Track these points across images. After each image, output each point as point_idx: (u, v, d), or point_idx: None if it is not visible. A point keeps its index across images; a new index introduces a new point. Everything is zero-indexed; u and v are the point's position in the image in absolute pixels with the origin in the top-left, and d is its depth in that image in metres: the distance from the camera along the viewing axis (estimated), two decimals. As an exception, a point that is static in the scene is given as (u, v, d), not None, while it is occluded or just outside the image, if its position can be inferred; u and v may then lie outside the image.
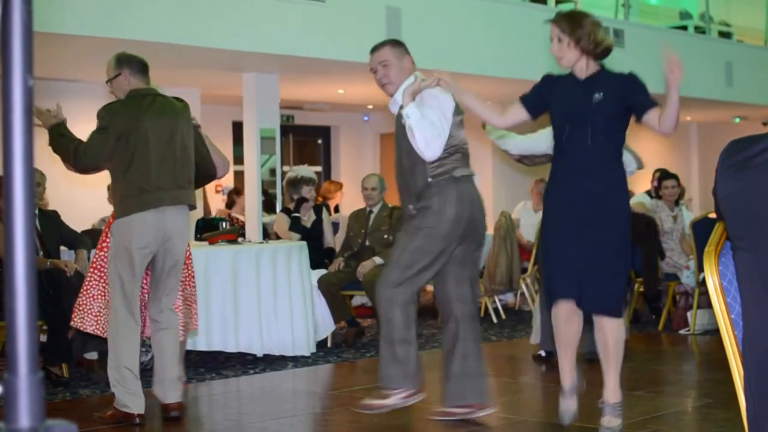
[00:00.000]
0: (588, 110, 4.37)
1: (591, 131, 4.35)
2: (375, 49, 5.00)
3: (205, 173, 5.34)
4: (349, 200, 12.55)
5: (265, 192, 10.35)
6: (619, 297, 4.50)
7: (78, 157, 4.93)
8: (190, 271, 5.41)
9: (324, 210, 8.72)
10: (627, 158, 5.19)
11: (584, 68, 4.45)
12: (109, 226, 5.11)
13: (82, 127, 10.50)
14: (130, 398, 4.91)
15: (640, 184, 13.01)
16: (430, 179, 4.74)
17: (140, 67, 5.09)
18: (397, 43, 5.06)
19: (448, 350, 4.89)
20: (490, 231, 9.73)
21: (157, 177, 4.94)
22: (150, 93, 5.08)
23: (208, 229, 7.95)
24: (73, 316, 5.19)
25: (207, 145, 5.35)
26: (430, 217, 4.71)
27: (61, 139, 4.99)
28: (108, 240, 5.11)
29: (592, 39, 4.38)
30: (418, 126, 4.62)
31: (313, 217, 8.48)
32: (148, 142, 4.94)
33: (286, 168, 12.68)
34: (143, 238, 4.90)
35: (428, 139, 4.64)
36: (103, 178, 9.08)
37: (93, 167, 5.07)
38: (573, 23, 4.45)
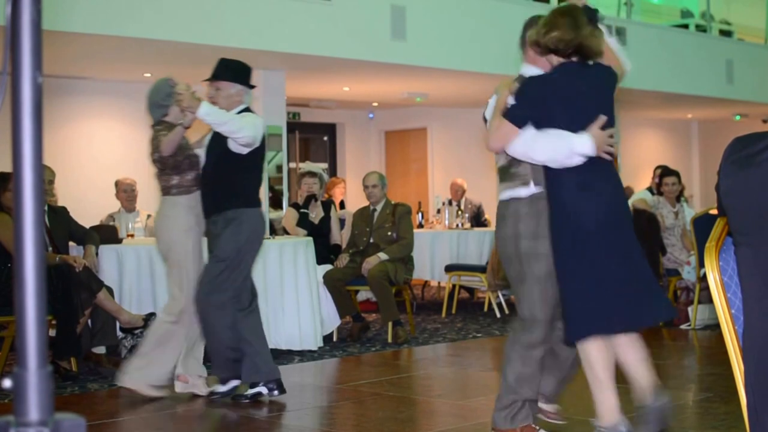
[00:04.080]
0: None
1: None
2: None
3: None
4: (355, 197, 12.56)
5: (271, 188, 10.37)
6: None
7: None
8: None
9: (332, 206, 8.73)
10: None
11: None
12: None
13: (91, 123, 10.60)
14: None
15: (641, 181, 13.01)
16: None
17: None
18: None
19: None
20: (492, 228, 9.77)
21: None
22: None
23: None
24: None
25: None
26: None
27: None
28: None
29: None
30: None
31: (321, 213, 8.49)
32: None
33: (292, 165, 12.70)
34: None
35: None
36: (110, 174, 9.13)
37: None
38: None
